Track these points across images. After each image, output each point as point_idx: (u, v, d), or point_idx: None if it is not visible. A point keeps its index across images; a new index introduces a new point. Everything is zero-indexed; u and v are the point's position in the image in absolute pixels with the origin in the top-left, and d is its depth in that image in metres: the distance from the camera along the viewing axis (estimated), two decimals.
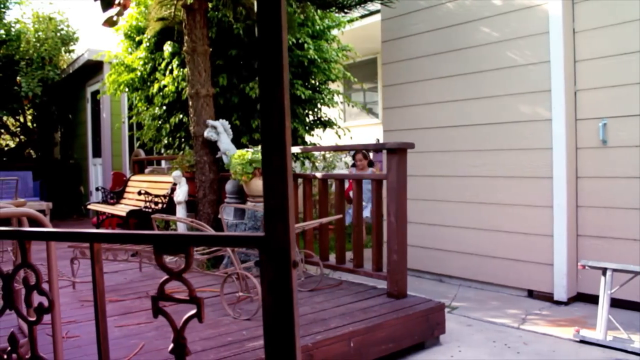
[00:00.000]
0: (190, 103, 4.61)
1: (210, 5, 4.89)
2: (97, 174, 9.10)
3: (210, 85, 4.58)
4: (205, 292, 3.68)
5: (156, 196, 5.22)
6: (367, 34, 7.24)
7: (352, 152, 5.69)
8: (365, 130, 8.28)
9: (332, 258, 4.15)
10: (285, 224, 0.83)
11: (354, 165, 5.63)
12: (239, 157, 3.97)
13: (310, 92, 5.90)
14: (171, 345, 0.97)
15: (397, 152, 3.33)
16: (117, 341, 2.76)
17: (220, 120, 4.53)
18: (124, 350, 2.62)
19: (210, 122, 4.44)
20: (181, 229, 4.53)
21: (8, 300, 1.13)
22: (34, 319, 1.11)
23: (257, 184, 3.98)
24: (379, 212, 3.63)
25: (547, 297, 4.10)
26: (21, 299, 1.36)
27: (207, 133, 4.42)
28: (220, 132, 4.38)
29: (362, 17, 6.96)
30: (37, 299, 1.15)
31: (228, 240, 1.00)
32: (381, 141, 7.42)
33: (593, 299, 3.90)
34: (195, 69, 4.48)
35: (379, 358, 2.94)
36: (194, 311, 0.93)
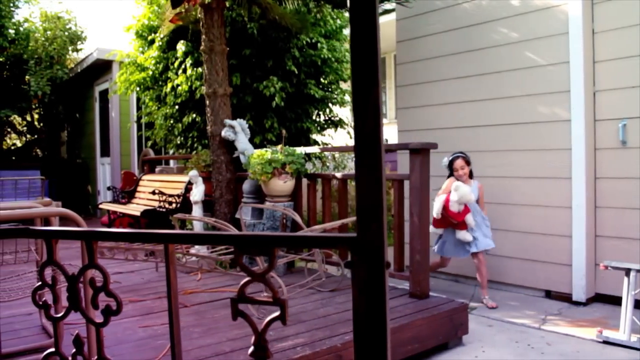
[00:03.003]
0: (207, 102, 4.60)
1: (227, 4, 4.88)
2: (105, 173, 9.08)
3: (227, 85, 4.57)
4: (226, 292, 3.67)
5: (170, 196, 5.20)
6: None
7: (448, 158, 4.17)
8: None
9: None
10: (379, 223, 0.82)
11: (450, 175, 4.14)
12: (258, 156, 3.96)
13: (323, 92, 5.89)
14: (251, 348, 0.96)
15: (421, 152, 3.32)
16: (143, 342, 2.75)
17: (238, 119, 4.52)
18: (151, 351, 2.61)
19: (228, 121, 4.43)
20: (197, 228, 4.52)
21: (73, 301, 1.12)
22: (101, 320, 1.10)
23: (276, 184, 3.97)
24: (401, 212, 3.62)
25: (565, 298, 4.10)
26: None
27: (225, 132, 4.41)
28: (237, 131, 4.37)
29: None
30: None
31: (316, 241, 0.99)
32: (390, 142, 7.42)
33: (611, 300, 3.90)
34: (213, 68, 4.46)
35: (405, 358, 2.94)
36: (277, 313, 0.92)
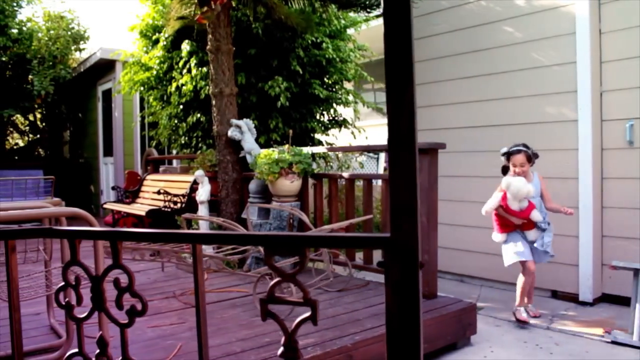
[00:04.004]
0: (213, 102, 4.60)
1: (232, 4, 4.88)
2: (107, 172, 9.08)
3: (233, 84, 4.57)
4: (233, 292, 3.67)
5: (175, 195, 5.20)
6: (382, 33, 7.23)
7: (508, 148, 3.63)
8: (376, 130, 8.27)
9: (358, 258, 4.14)
10: (413, 223, 0.81)
11: (505, 171, 3.63)
12: (265, 156, 3.96)
13: (327, 91, 5.89)
14: (281, 349, 0.95)
15: (429, 152, 3.32)
16: (152, 342, 2.74)
17: (244, 119, 4.52)
18: (161, 351, 2.61)
19: (235, 121, 4.43)
20: (203, 228, 4.51)
21: (98, 302, 1.11)
22: (126, 321, 1.10)
23: (283, 184, 3.96)
24: None
25: (572, 298, 4.09)
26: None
27: (231, 132, 4.41)
28: (244, 131, 4.37)
29: (378, 16, 6.95)
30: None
31: (349, 241, 0.98)
32: None
33: (618, 300, 3.90)
34: (219, 68, 4.46)
35: None
36: (307, 314, 0.92)
